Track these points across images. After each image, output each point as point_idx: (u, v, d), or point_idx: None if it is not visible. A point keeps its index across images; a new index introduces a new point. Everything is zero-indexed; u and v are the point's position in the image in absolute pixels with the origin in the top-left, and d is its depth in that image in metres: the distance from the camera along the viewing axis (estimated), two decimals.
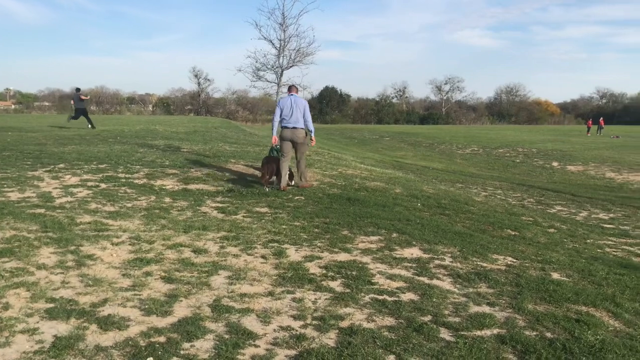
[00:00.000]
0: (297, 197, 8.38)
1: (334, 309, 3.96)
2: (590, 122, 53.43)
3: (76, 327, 3.50)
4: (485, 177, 20.75)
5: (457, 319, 3.85)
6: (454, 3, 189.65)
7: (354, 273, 4.79)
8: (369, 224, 6.74)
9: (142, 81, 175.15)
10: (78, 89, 23.34)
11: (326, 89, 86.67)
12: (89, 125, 21.87)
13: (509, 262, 5.45)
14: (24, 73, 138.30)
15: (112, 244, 5.43)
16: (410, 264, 5.16)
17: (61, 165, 10.12)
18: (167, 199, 7.85)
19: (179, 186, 8.85)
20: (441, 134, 45.72)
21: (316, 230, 6.36)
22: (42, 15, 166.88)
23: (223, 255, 5.22)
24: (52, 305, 3.84)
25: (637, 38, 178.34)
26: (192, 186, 8.90)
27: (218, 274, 4.67)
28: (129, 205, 7.31)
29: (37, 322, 3.56)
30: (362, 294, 4.29)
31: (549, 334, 3.65)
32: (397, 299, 4.23)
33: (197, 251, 5.29)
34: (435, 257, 5.45)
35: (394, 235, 6.27)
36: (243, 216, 7.00)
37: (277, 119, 9.10)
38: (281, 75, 10.38)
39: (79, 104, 22.16)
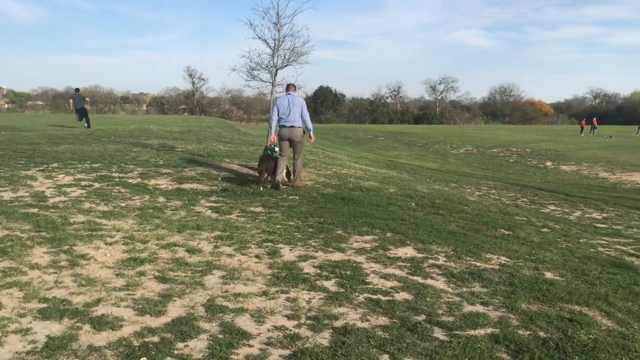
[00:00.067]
0: (291, 197, 8.38)
1: (328, 309, 3.96)
2: (584, 122, 53.68)
3: (69, 327, 3.48)
4: (479, 177, 20.81)
5: (450, 319, 3.86)
6: (450, 3, 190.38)
7: (348, 273, 4.79)
8: (363, 223, 6.75)
9: (136, 80, 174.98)
10: (77, 89, 23.87)
11: (321, 88, 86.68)
12: (86, 125, 22.12)
13: (502, 262, 5.46)
14: (17, 72, 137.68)
15: (106, 243, 5.41)
16: (404, 264, 5.16)
17: (55, 165, 10.08)
18: (161, 199, 7.82)
19: (173, 186, 8.83)
20: (435, 133, 45.83)
21: (310, 229, 6.35)
22: (35, 14, 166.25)
23: (217, 255, 5.21)
24: (45, 305, 3.82)
25: (630, 38, 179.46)
26: (186, 186, 8.88)
27: (212, 274, 4.66)
28: (123, 204, 7.29)
29: (30, 322, 3.54)
30: (356, 294, 4.29)
31: (542, 333, 3.67)
32: (391, 298, 4.23)
33: (191, 251, 5.28)
34: (429, 256, 5.46)
35: (388, 234, 6.28)
36: (237, 216, 6.99)
37: (274, 118, 9.13)
38: (275, 74, 10.37)
39: (80, 104, 22.53)
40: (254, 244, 5.64)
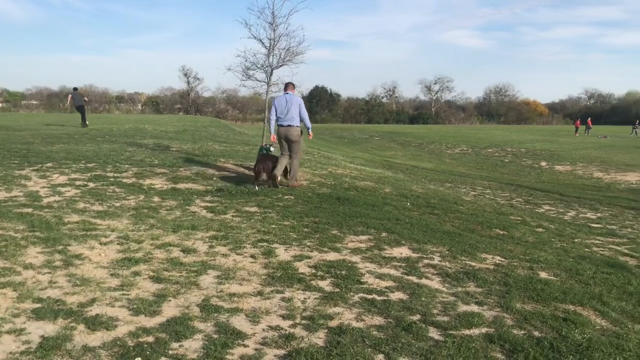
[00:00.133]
0: (286, 197, 8.37)
1: (323, 309, 3.96)
2: (579, 122, 53.95)
3: (63, 327, 3.47)
4: (474, 177, 20.86)
5: (445, 318, 3.87)
6: (444, 3, 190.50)
7: (343, 272, 4.79)
8: (358, 223, 6.75)
9: (131, 80, 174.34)
10: (75, 88, 24.24)
11: (316, 88, 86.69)
12: (81, 123, 22.56)
13: (497, 262, 5.48)
14: (11, 71, 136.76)
15: (101, 243, 5.40)
16: (399, 264, 5.17)
17: (49, 164, 10.04)
18: (156, 198, 7.81)
19: (168, 185, 8.81)
20: (430, 133, 45.91)
21: (306, 229, 6.35)
22: (31, 13, 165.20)
23: (212, 254, 5.20)
24: (39, 305, 3.81)
25: (624, 39, 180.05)
26: (181, 185, 8.86)
27: (207, 274, 4.65)
28: (118, 204, 7.27)
29: (24, 323, 3.52)
30: (352, 294, 4.30)
31: (536, 333, 3.68)
32: (386, 298, 4.24)
33: (186, 251, 5.27)
34: (424, 256, 5.47)
35: (383, 234, 6.29)
36: (232, 215, 6.98)
37: (273, 117, 9.16)
38: (271, 74, 10.36)
39: (79, 102, 23.02)
40: (249, 243, 5.63)
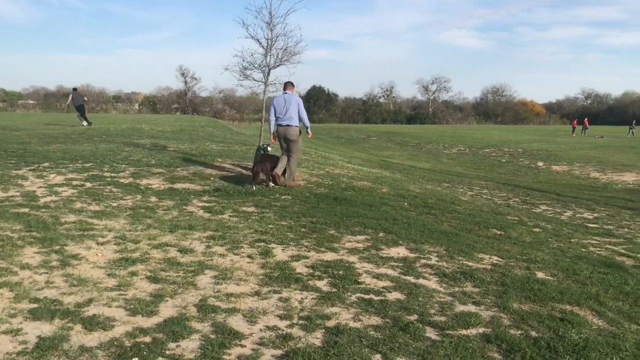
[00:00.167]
0: (284, 197, 8.37)
1: (320, 309, 3.96)
2: (575, 122, 54.05)
3: (60, 327, 3.46)
4: (471, 177, 20.89)
5: (442, 318, 3.87)
6: (441, 3, 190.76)
7: (340, 272, 4.79)
8: (355, 223, 6.75)
9: (129, 80, 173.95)
10: (75, 89, 24.55)
11: (314, 88, 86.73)
12: (79, 118, 23.31)
13: (494, 262, 5.48)
14: (8, 71, 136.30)
15: (97, 243, 5.38)
16: (396, 264, 5.17)
17: (46, 164, 10.02)
18: (153, 198, 7.80)
19: (165, 185, 8.79)
20: (428, 133, 45.95)
21: (303, 229, 6.35)
22: (28, 13, 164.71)
23: (209, 254, 5.20)
24: (35, 305, 3.80)
25: (621, 39, 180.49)
26: (178, 185, 8.85)
27: (204, 274, 4.64)
28: (115, 204, 7.26)
29: (21, 323, 3.51)
30: (349, 294, 4.30)
31: (533, 333, 3.68)
32: (383, 298, 4.24)
33: (183, 251, 5.26)
34: (422, 256, 5.47)
35: (381, 234, 6.29)
36: (230, 215, 6.97)
37: (272, 117, 9.16)
38: (268, 74, 10.36)
39: (78, 102, 23.48)
40: (246, 243, 5.63)
